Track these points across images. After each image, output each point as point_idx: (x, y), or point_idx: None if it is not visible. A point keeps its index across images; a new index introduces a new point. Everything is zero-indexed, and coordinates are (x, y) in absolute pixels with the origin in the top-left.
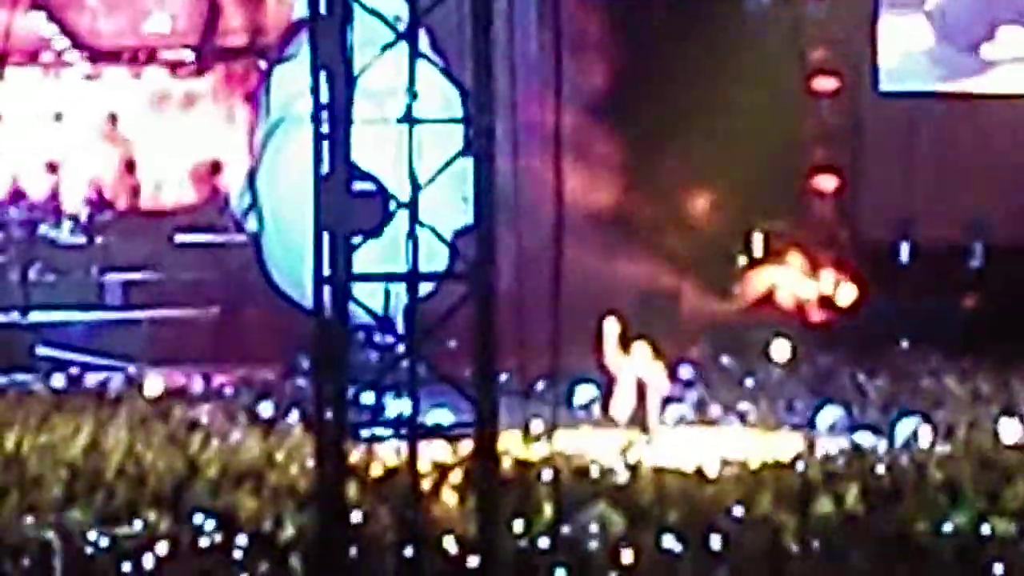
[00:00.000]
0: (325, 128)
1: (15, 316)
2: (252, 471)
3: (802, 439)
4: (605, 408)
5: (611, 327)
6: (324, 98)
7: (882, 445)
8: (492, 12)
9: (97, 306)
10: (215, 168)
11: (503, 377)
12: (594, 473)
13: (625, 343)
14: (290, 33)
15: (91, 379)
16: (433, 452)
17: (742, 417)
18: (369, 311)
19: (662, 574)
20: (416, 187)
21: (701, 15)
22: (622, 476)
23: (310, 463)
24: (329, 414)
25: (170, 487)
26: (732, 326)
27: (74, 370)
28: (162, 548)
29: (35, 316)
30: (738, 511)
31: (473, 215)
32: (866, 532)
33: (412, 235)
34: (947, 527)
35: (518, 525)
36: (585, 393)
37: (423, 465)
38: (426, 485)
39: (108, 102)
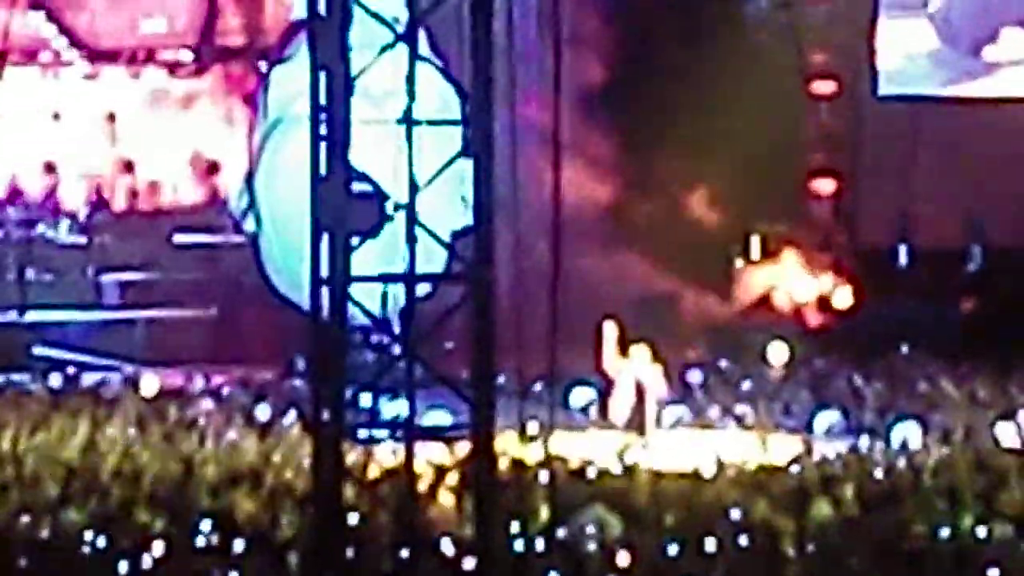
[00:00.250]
0: (323, 129)
1: (12, 315)
2: (249, 472)
3: (799, 442)
4: (603, 411)
5: (609, 331)
6: (323, 99)
7: (879, 449)
8: (491, 14)
9: (94, 306)
10: (213, 168)
11: (500, 379)
12: (591, 475)
13: (623, 346)
14: (289, 34)
15: (88, 379)
16: (430, 453)
17: (739, 420)
18: (367, 312)
19: None
20: (414, 188)
21: (700, 19)
22: (619, 478)
23: (307, 464)
24: (326, 415)
25: (167, 488)
26: (730, 329)
27: (71, 370)
28: (159, 548)
29: (32, 316)
30: (735, 514)
31: (472, 216)
32: (863, 536)
33: (410, 236)
34: (944, 531)
35: (515, 527)
36: (582, 395)
37: (420, 466)
38: (423, 486)
39: (106, 102)
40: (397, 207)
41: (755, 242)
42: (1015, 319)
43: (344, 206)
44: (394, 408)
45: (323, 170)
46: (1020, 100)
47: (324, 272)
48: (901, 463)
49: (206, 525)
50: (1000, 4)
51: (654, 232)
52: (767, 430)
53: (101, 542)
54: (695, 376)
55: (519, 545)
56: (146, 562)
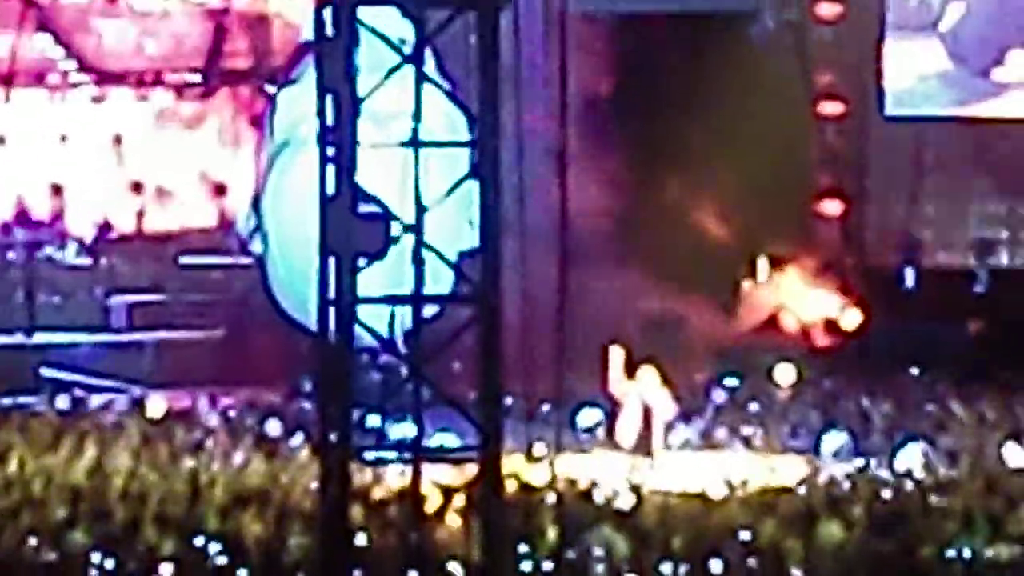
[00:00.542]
0: (331, 151)
1: (20, 337)
2: (257, 493)
3: (807, 464)
4: (610, 432)
5: (615, 355)
6: (330, 121)
7: (886, 470)
8: (499, 36)
9: (102, 328)
10: (220, 190)
11: (508, 400)
12: (598, 497)
13: (630, 369)
14: (296, 56)
15: (95, 401)
16: (437, 475)
17: (747, 441)
18: (374, 334)
19: None
20: (422, 210)
21: (707, 39)
22: (627, 500)
23: (314, 485)
24: (333, 437)
25: (174, 509)
26: (737, 350)
27: (79, 392)
28: (166, 570)
29: (40, 337)
30: (743, 536)
31: (479, 238)
32: (871, 557)
33: (417, 258)
34: (952, 552)
35: (522, 548)
36: (590, 417)
37: (427, 488)
38: (430, 508)
39: (113, 124)
40: (405, 228)
41: (762, 263)
42: (1022, 340)
43: (351, 227)
44: (401, 430)
45: (330, 191)
46: None
47: (331, 293)
48: (909, 484)
49: (214, 547)
50: (1009, 26)
51: (661, 253)
52: (775, 451)
53: (109, 564)
54: (702, 398)
55: (527, 567)
56: None
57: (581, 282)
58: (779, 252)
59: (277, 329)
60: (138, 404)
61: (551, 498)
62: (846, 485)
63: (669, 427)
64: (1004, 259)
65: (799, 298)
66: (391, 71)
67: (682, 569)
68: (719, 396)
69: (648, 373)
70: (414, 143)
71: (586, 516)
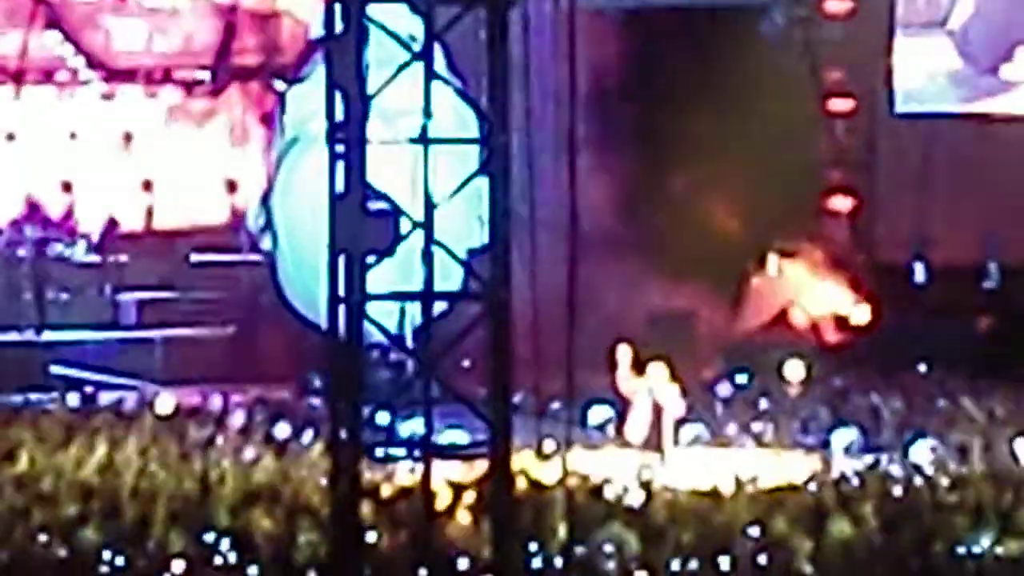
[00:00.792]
0: (340, 148)
1: (30, 335)
2: (267, 491)
3: (817, 460)
4: (620, 429)
5: (623, 353)
6: (339, 118)
7: (897, 466)
8: (508, 32)
9: (112, 325)
10: (231, 187)
11: (517, 397)
12: (609, 494)
13: (639, 367)
14: (306, 53)
15: (105, 398)
16: (447, 472)
17: (757, 438)
18: (384, 331)
19: None
20: (431, 207)
21: (716, 36)
22: (637, 497)
23: (324, 482)
24: (343, 434)
25: (185, 507)
26: (747, 347)
27: (88, 389)
28: (177, 567)
29: (49, 335)
30: (753, 532)
31: (488, 235)
32: (881, 554)
33: (427, 255)
34: (963, 549)
35: (532, 545)
36: (600, 413)
37: (437, 485)
38: (440, 505)
39: (123, 121)
40: (414, 225)
41: (772, 260)
42: None
43: (361, 224)
44: (411, 427)
45: (340, 189)
46: None
47: (341, 290)
48: (919, 481)
49: (224, 544)
50: (1018, 22)
51: (670, 249)
52: (785, 448)
53: (119, 561)
54: (712, 394)
55: (537, 563)
56: None
57: (591, 279)
58: (789, 248)
59: (287, 326)
60: (148, 402)
61: (561, 495)
62: (856, 482)
63: (679, 424)
64: (1014, 255)
65: (809, 294)
66: (400, 68)
67: (692, 565)
68: (729, 393)
69: (657, 370)
70: (423, 140)
71: (596, 513)
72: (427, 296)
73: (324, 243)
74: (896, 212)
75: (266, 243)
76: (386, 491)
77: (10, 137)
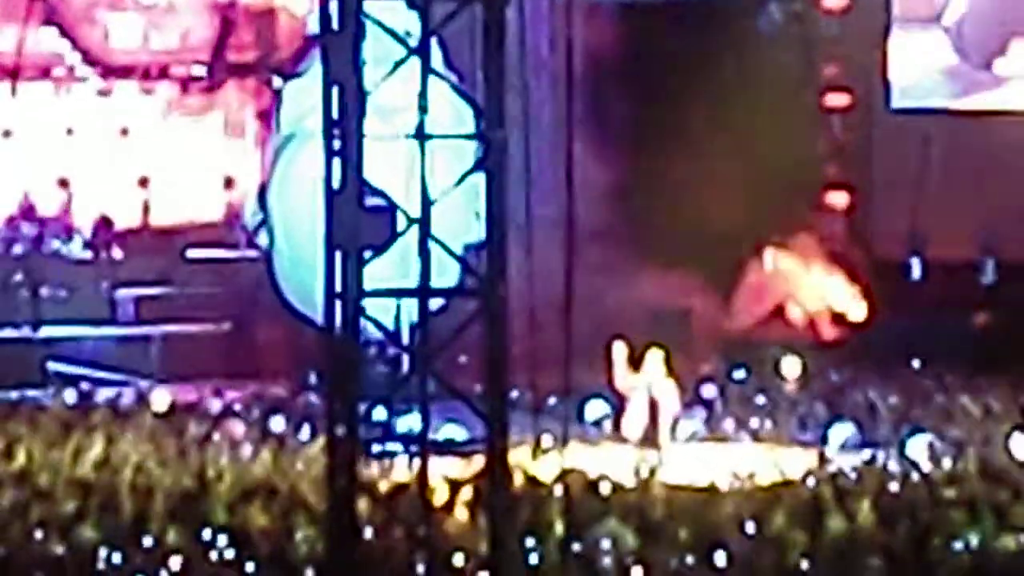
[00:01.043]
0: (336, 144)
1: (27, 331)
2: (264, 487)
3: (814, 456)
4: (617, 425)
5: (619, 350)
6: (336, 114)
7: (894, 462)
8: (505, 28)
9: (109, 322)
10: (227, 183)
11: (514, 393)
12: (605, 489)
13: (635, 363)
14: (303, 49)
15: (102, 395)
16: (444, 468)
17: (754, 434)
18: (381, 327)
19: None
20: (428, 203)
21: (714, 31)
22: (634, 492)
23: (322, 478)
24: (340, 430)
25: (182, 503)
26: (744, 342)
27: (85, 386)
28: (174, 564)
29: (46, 331)
30: (750, 528)
31: (485, 231)
32: (878, 549)
33: (423, 251)
34: (959, 544)
35: (530, 541)
36: (597, 409)
37: (434, 481)
38: (437, 501)
39: (120, 117)
40: (410, 221)
41: (768, 255)
42: None
43: (357, 220)
44: (408, 422)
45: (336, 185)
46: None
47: (338, 287)
48: (915, 476)
49: (221, 540)
50: (1012, 16)
51: (667, 245)
52: (782, 444)
53: (116, 558)
54: (709, 390)
55: (534, 559)
56: None
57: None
58: (785, 244)
59: (284, 322)
60: (145, 398)
61: (558, 491)
62: (853, 477)
63: (676, 420)
64: (1010, 251)
65: (805, 290)
66: (397, 64)
67: (689, 561)
68: (726, 388)
69: (654, 363)
70: (420, 136)
71: (593, 509)
72: (423, 292)
73: (321, 239)
74: (892, 208)
75: (263, 239)
76: (383, 487)
77: (7, 133)
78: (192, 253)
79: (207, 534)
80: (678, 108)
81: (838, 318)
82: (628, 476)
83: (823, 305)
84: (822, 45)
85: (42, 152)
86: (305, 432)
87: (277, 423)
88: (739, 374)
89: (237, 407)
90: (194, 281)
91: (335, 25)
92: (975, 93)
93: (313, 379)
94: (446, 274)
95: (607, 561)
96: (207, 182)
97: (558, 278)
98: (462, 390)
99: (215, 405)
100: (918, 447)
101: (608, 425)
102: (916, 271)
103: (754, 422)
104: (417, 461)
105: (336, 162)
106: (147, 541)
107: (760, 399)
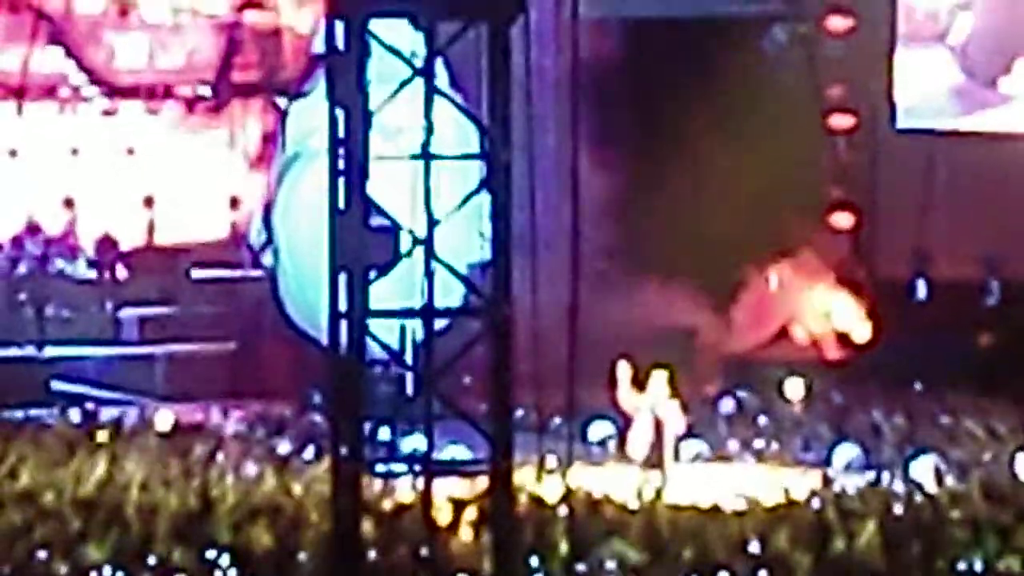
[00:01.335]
0: (341, 164)
1: (31, 351)
2: (268, 506)
3: (818, 477)
4: (621, 445)
5: (623, 370)
6: (341, 134)
7: (898, 483)
8: (510, 48)
9: (113, 341)
10: (232, 203)
11: (518, 413)
12: (609, 510)
13: (640, 383)
14: (308, 69)
15: (106, 414)
16: (448, 488)
17: (758, 454)
18: (385, 347)
19: None
20: (432, 223)
21: (718, 53)
22: (637, 513)
23: (326, 498)
24: (344, 450)
25: (186, 522)
26: (748, 363)
27: (89, 405)
28: None
29: (51, 351)
30: (754, 548)
31: (490, 251)
32: (882, 570)
33: (428, 271)
34: (963, 565)
35: (534, 561)
36: (601, 429)
37: (438, 501)
38: (441, 521)
39: (125, 138)
40: (415, 241)
41: (773, 276)
42: None
43: (362, 240)
44: (412, 443)
45: (341, 204)
46: None
47: (342, 306)
48: (920, 497)
49: (225, 560)
50: (1017, 35)
51: (671, 265)
52: (786, 464)
53: None
54: (713, 410)
55: None
56: None
57: (591, 295)
58: (790, 264)
59: (288, 342)
60: (149, 417)
61: (562, 511)
62: (857, 498)
63: (680, 440)
64: (1015, 271)
65: (810, 310)
66: (402, 84)
67: None
68: (730, 409)
69: (659, 384)
70: (425, 156)
71: (597, 529)
72: (428, 312)
73: (325, 259)
74: (897, 228)
75: (267, 259)
76: (387, 507)
77: (12, 153)
78: (197, 273)
79: (211, 554)
80: (683, 128)
81: (842, 338)
82: (632, 496)
83: (827, 325)
84: (826, 66)
85: (47, 172)
86: (309, 452)
87: (281, 443)
88: (743, 394)
89: (242, 427)
90: (199, 301)
91: (340, 45)
92: (980, 112)
93: (317, 399)
94: (451, 294)
95: None
96: (212, 202)
97: (562, 298)
98: (466, 410)
99: (220, 425)
100: (922, 468)
101: (612, 445)
102: (921, 291)
103: (758, 443)
104: (421, 481)
105: (341, 182)
106: (151, 561)
107: (764, 420)
